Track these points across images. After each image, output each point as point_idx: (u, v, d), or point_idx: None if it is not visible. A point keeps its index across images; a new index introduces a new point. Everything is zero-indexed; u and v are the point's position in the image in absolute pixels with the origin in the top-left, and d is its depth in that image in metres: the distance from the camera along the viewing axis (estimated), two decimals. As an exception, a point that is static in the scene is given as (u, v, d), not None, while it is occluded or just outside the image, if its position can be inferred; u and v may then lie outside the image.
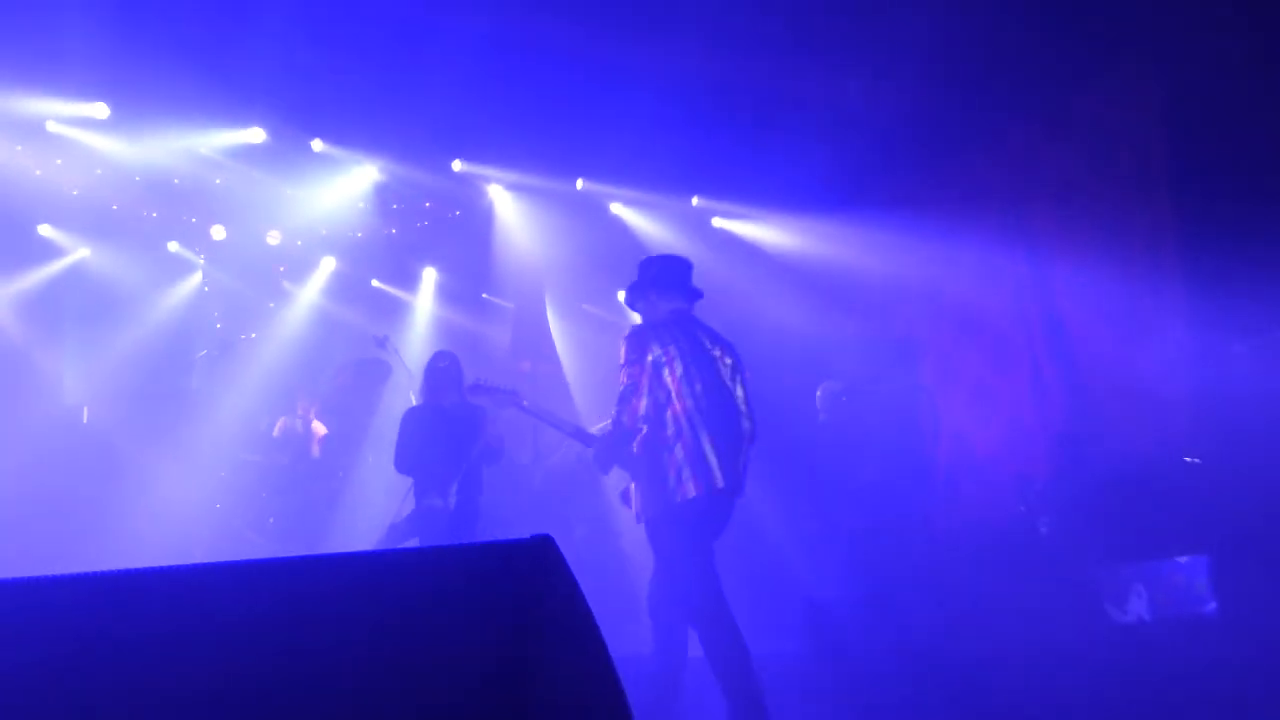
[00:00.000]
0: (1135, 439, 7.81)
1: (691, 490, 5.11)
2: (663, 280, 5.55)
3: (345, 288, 11.50)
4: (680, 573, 5.21)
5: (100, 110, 9.01)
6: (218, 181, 10.16)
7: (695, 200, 11.08)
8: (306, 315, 11.13)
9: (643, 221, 11.18)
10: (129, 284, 10.65)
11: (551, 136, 9.69)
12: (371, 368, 9.79)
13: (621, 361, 5.31)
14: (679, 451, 5.11)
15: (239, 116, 9.40)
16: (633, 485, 5.43)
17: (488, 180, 10.71)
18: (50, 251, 10.48)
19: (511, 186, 10.82)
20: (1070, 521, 7.44)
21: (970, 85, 8.73)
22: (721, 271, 11.08)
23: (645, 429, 5.20)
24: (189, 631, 1.69)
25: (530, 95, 9.05)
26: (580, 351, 11.63)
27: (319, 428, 9.34)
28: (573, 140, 9.75)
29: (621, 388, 5.22)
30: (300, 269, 11.35)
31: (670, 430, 5.16)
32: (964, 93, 8.85)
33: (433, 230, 11.41)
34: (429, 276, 11.81)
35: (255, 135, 9.56)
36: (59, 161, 9.69)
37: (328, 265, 11.40)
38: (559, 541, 1.81)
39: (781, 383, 9.06)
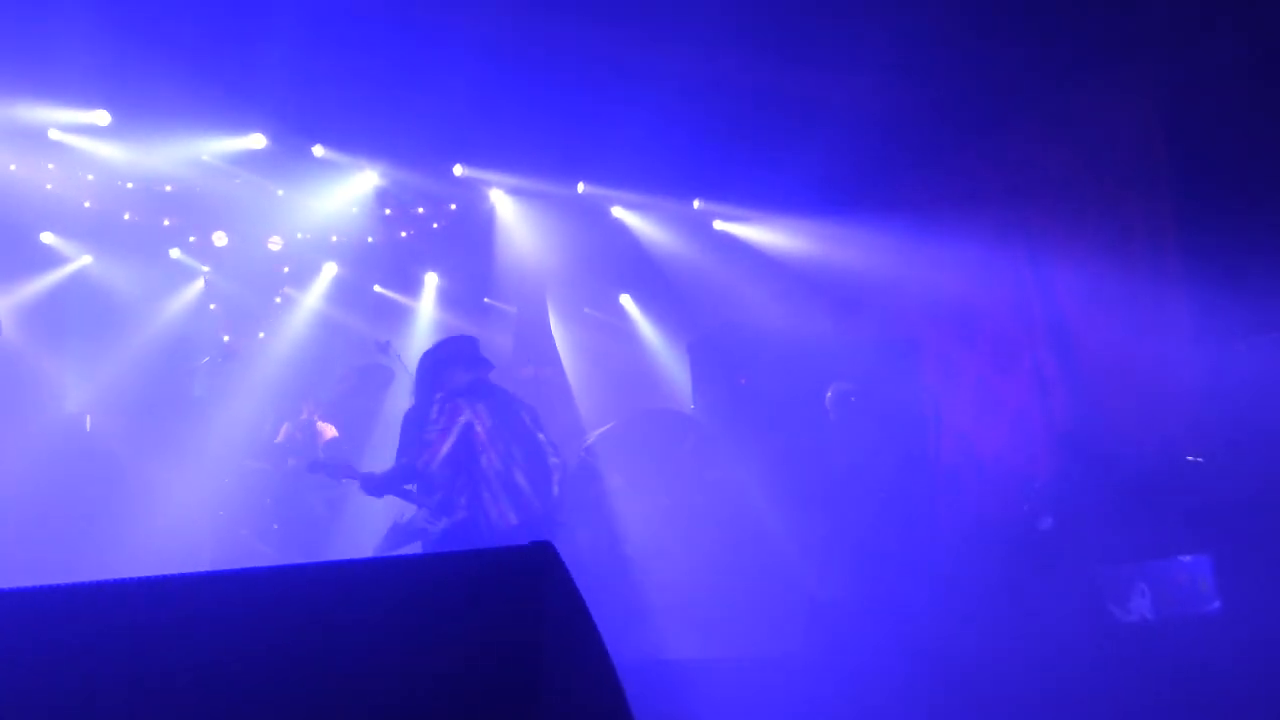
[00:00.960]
0: (1137, 437, 7.81)
1: (513, 518, 6.24)
2: (461, 358, 6.59)
3: (347, 293, 11.51)
4: None
5: (101, 117, 9.03)
6: (219, 187, 10.17)
7: (697, 203, 11.08)
8: (309, 321, 11.14)
9: (644, 225, 11.19)
10: (131, 291, 10.66)
11: (552, 140, 9.69)
12: (374, 373, 9.80)
13: (433, 418, 6.40)
14: (497, 488, 6.26)
15: (240, 122, 9.41)
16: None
17: (489, 184, 10.72)
18: (52, 259, 10.49)
19: (513, 190, 10.82)
20: (1072, 520, 7.44)
21: (969, 84, 8.73)
22: (723, 274, 11.10)
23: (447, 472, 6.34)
24: (195, 639, 1.70)
25: (531, 99, 9.05)
26: (583, 355, 11.64)
27: (326, 429, 9.34)
28: (574, 144, 9.76)
29: (430, 440, 6.33)
30: (302, 275, 11.36)
31: (488, 473, 6.28)
32: (963, 92, 8.86)
33: (434, 235, 11.42)
34: (431, 281, 11.82)
35: (256, 141, 9.57)
36: (59, 169, 9.71)
37: (329, 271, 11.41)
38: (560, 548, 1.82)
39: (783, 385, 9.07)
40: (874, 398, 8.52)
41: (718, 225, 11.35)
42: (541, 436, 6.61)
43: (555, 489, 6.48)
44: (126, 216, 10.41)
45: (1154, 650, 6.13)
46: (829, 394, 8.47)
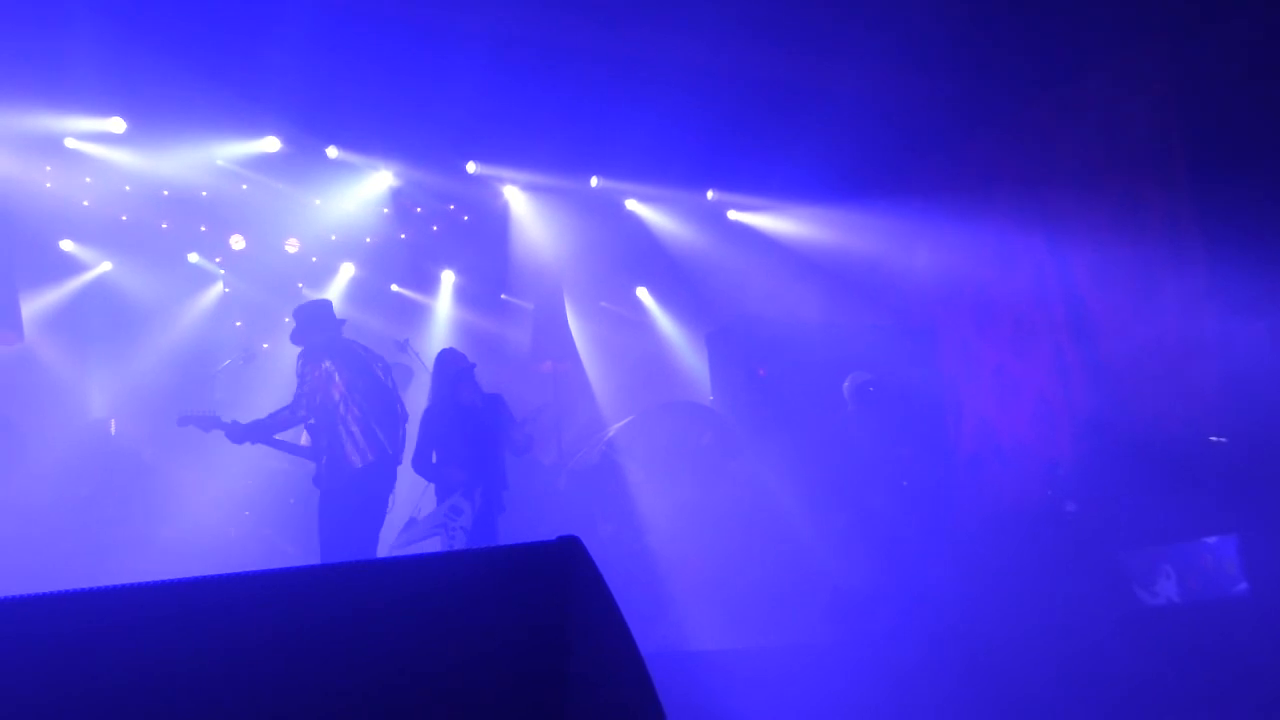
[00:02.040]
0: (1160, 420, 7.77)
1: (370, 456, 6.66)
2: (316, 319, 7.08)
3: (365, 293, 11.55)
4: (349, 534, 6.56)
5: (117, 125, 9.10)
6: (235, 191, 10.23)
7: (710, 194, 11.07)
8: (327, 322, 11.16)
9: (658, 217, 11.18)
10: (151, 296, 10.73)
11: (565, 135, 9.71)
12: (393, 372, 9.82)
13: (299, 373, 6.86)
14: (355, 431, 6.68)
15: (253, 126, 9.46)
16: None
17: (502, 181, 10.74)
18: (72, 267, 10.57)
19: (526, 187, 10.84)
20: (1096, 504, 7.41)
21: (983, 70, 8.70)
22: (739, 265, 11.08)
23: (314, 420, 6.82)
24: (225, 639, 1.73)
25: (542, 95, 9.07)
26: (601, 349, 11.65)
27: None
28: (586, 138, 9.77)
29: (297, 392, 6.81)
30: (319, 276, 11.41)
31: (345, 417, 6.70)
32: (977, 78, 8.82)
33: (450, 233, 11.44)
34: (447, 279, 11.85)
35: (270, 144, 9.63)
36: (76, 177, 9.79)
37: (347, 271, 11.45)
38: (584, 541, 1.83)
39: (802, 375, 9.06)
40: (893, 386, 8.50)
41: (732, 215, 11.34)
42: (390, 385, 7.20)
43: (402, 434, 7.01)
44: (141, 222, 10.48)
45: (1180, 633, 6.11)
46: (847, 384, 8.45)
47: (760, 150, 9.96)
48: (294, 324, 7.15)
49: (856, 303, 10.53)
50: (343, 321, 7.23)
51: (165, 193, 10.15)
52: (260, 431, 6.82)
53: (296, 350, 7.09)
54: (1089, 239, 8.59)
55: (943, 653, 6.48)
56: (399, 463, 6.99)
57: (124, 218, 10.33)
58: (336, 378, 6.77)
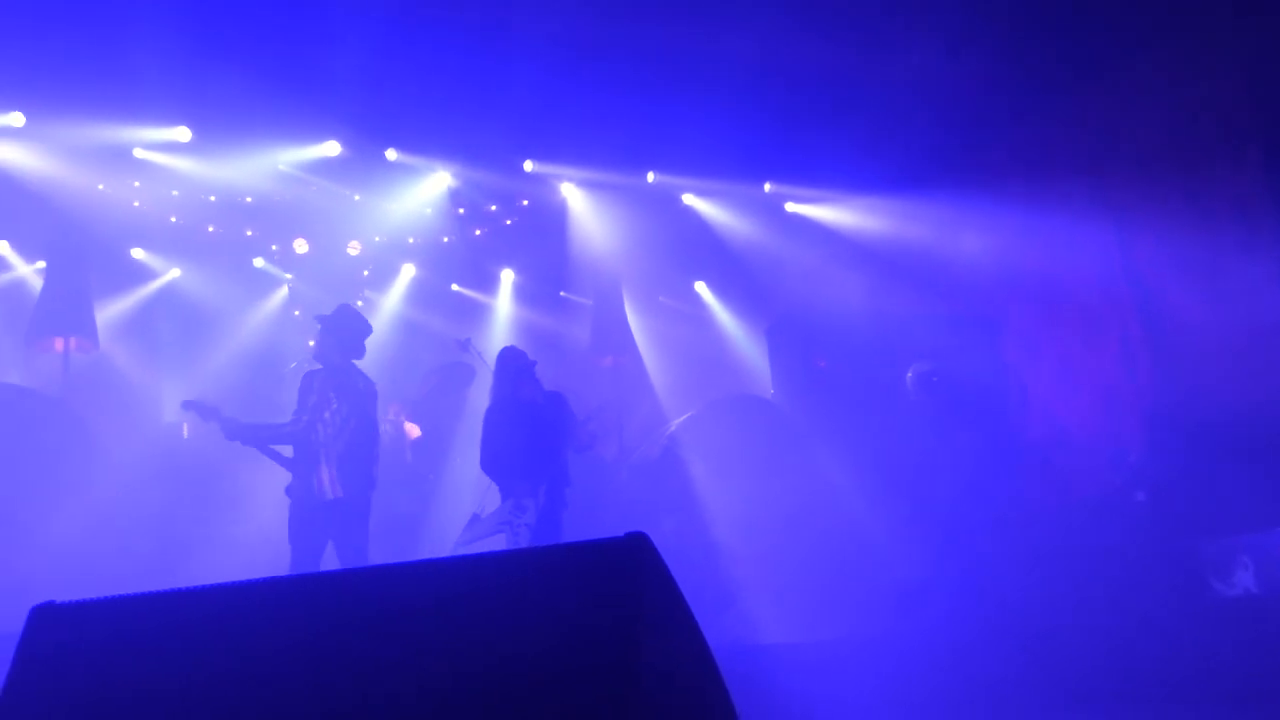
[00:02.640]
0: (1232, 407, 7.60)
1: (340, 493, 6.73)
2: (349, 340, 7.06)
3: (426, 293, 11.68)
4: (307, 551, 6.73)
5: (182, 134, 9.31)
6: (297, 196, 10.41)
7: (768, 186, 11.03)
8: (390, 322, 11.34)
9: (715, 210, 11.17)
10: (218, 301, 10.96)
11: (621, 131, 9.73)
12: (456, 371, 9.94)
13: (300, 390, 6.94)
14: (333, 467, 6.75)
15: (314, 131, 9.62)
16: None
17: (560, 179, 10.80)
18: (143, 274, 10.83)
19: (583, 184, 10.89)
20: (1168, 493, 7.27)
21: (1046, 55, 8.55)
22: (798, 257, 11.03)
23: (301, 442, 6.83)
24: (316, 633, 1.79)
25: (598, 92, 9.09)
26: (660, 344, 11.67)
27: (412, 430, 9.51)
28: (642, 134, 9.78)
29: (297, 411, 6.86)
30: (382, 277, 11.57)
31: (329, 449, 6.78)
32: (1040, 63, 8.67)
33: (508, 232, 11.54)
34: (507, 278, 11.95)
35: (331, 149, 9.78)
36: (144, 186, 10.03)
37: (408, 272, 11.59)
38: (648, 535, 1.85)
39: (863, 366, 9.00)
40: (956, 376, 8.41)
41: (790, 207, 11.28)
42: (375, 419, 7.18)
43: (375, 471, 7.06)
44: (210, 229, 10.71)
45: (1258, 624, 5.98)
46: (909, 374, 8.38)
47: (818, 141, 9.89)
48: (324, 335, 7.06)
49: (917, 293, 10.43)
50: (364, 350, 7.20)
51: (228, 199, 10.37)
52: (253, 435, 6.86)
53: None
54: (1155, 223, 8.42)
55: (1009, 645, 6.41)
56: (358, 504, 6.97)
57: (197, 225, 10.56)
58: (330, 412, 6.80)
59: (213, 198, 10.31)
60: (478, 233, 11.51)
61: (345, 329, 7.05)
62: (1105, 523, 7.28)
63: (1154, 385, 8.53)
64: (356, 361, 7.11)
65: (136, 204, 10.14)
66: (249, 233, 10.94)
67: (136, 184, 10.04)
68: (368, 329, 7.24)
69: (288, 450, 6.92)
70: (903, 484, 8.08)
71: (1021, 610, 6.58)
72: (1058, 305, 9.53)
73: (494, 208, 11.29)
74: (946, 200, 9.92)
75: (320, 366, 6.98)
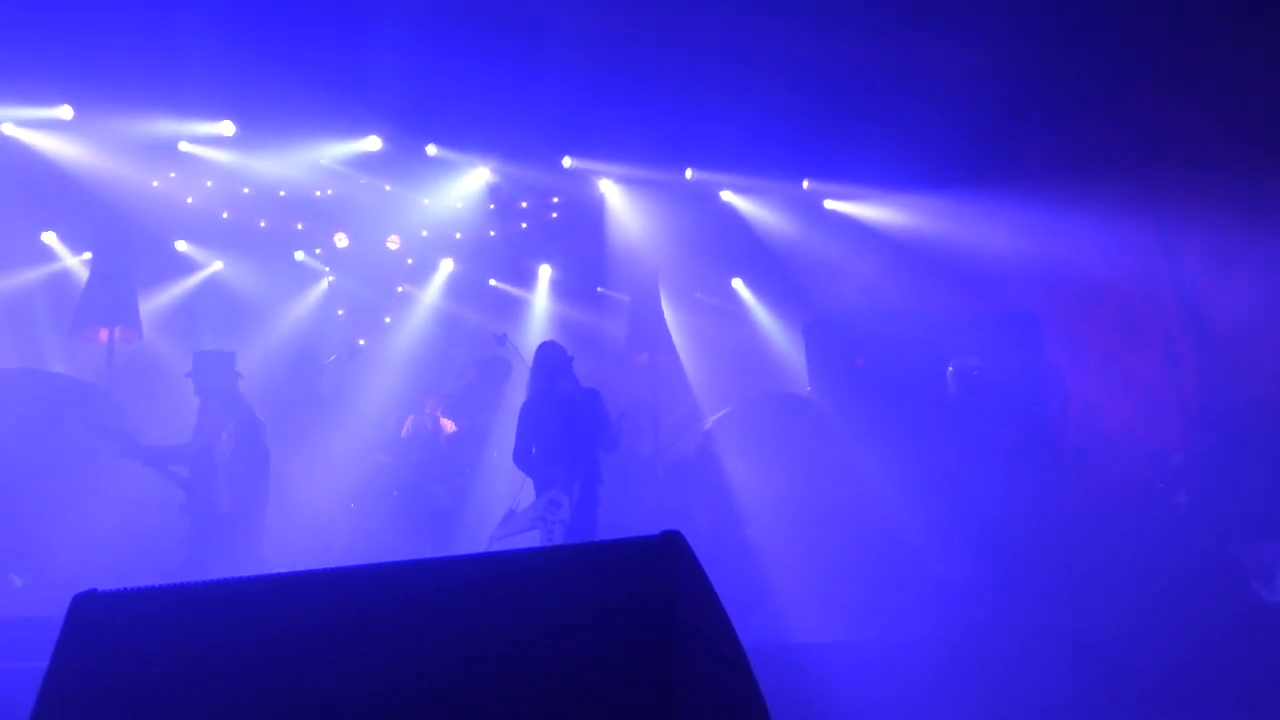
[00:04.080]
0: (1276, 409, 7.47)
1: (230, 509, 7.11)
2: (218, 370, 7.43)
3: (464, 288, 11.74)
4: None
5: (227, 128, 9.41)
6: (338, 190, 10.50)
7: (806, 183, 10.98)
8: (428, 317, 11.41)
9: (753, 207, 11.14)
10: (259, 294, 11.07)
11: (659, 128, 9.73)
12: (493, 366, 9.98)
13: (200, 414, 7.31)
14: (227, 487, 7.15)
15: (356, 126, 9.70)
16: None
17: (598, 175, 10.81)
18: (186, 266, 10.97)
19: (621, 180, 10.90)
20: (1210, 496, 7.17)
21: (1089, 49, 8.45)
22: (836, 254, 10.97)
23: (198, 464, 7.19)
24: (371, 623, 1.82)
25: (636, 89, 9.10)
26: (696, 341, 11.65)
27: (448, 424, 9.57)
28: (680, 130, 9.77)
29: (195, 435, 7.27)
30: (420, 272, 11.64)
31: (228, 470, 7.19)
32: (1083, 58, 8.57)
33: (546, 227, 11.57)
34: (544, 273, 11.98)
35: (372, 144, 9.85)
36: (189, 180, 10.16)
37: (446, 267, 11.66)
38: (682, 532, 1.84)
39: (901, 365, 8.93)
40: (997, 373, 8.33)
41: (828, 205, 11.23)
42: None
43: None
44: (250, 222, 10.83)
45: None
46: (950, 369, 8.30)
47: (856, 138, 9.83)
48: (196, 376, 7.44)
49: (957, 290, 10.34)
50: (240, 376, 7.58)
51: (273, 193, 10.48)
52: (153, 455, 7.20)
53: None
54: (1199, 222, 8.29)
55: (1048, 649, 6.34)
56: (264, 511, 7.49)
57: (240, 218, 10.68)
58: (226, 434, 7.21)
59: (259, 191, 10.43)
60: (513, 228, 11.55)
61: (211, 365, 7.46)
62: (1146, 525, 7.18)
63: (1197, 386, 8.42)
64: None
65: (190, 200, 10.29)
66: (290, 226, 11.04)
67: (182, 178, 10.17)
68: (232, 356, 7.69)
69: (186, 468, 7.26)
70: (941, 484, 8.01)
71: (1060, 614, 6.51)
72: (1100, 304, 9.42)
73: (536, 203, 11.33)
74: (987, 198, 9.82)
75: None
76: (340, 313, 11.36)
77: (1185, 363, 8.56)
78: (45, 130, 9.18)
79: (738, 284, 12.20)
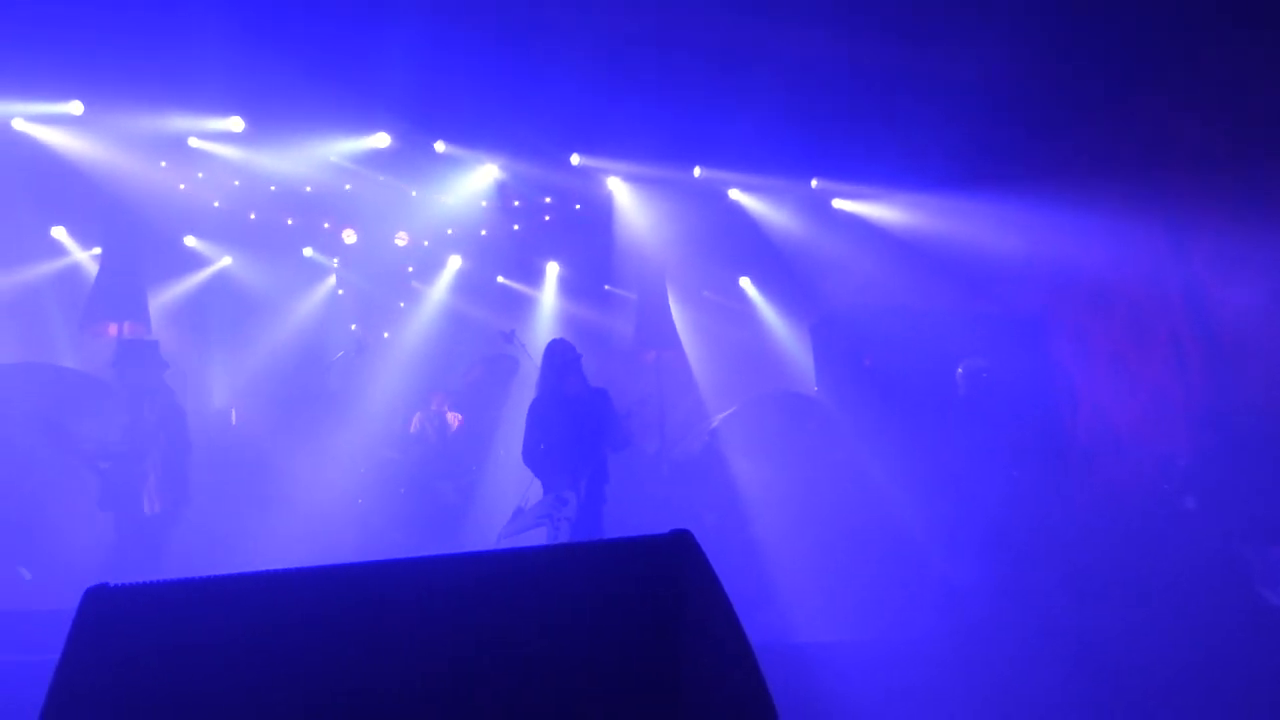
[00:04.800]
0: (1286, 412, 7.46)
1: (157, 507, 7.10)
2: (144, 359, 7.43)
3: (472, 285, 11.76)
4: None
5: (236, 124, 9.43)
6: (347, 187, 10.52)
7: (814, 183, 10.97)
8: (436, 313, 11.43)
9: (761, 206, 11.13)
10: (267, 290, 11.10)
11: (667, 126, 9.72)
12: (500, 363, 9.99)
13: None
14: (154, 480, 7.16)
15: (365, 123, 9.71)
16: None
17: (606, 172, 10.81)
18: (195, 262, 11.00)
19: (630, 178, 10.90)
20: (1217, 499, 7.15)
21: (1096, 52, 8.43)
22: (844, 253, 10.97)
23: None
24: (380, 618, 1.83)
25: (645, 86, 9.09)
26: (704, 338, 11.66)
27: (454, 420, 9.59)
28: (689, 128, 9.77)
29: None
30: (428, 268, 11.65)
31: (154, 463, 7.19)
32: (1091, 61, 8.55)
33: (554, 225, 11.58)
34: (552, 271, 11.99)
35: (381, 140, 9.87)
36: (197, 175, 10.19)
37: (454, 264, 11.67)
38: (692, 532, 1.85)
39: (908, 365, 8.93)
40: (1006, 374, 8.32)
41: (837, 204, 11.22)
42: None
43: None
44: (258, 218, 10.85)
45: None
46: (960, 370, 8.29)
47: (865, 138, 9.83)
48: (121, 370, 7.40)
49: (965, 291, 10.33)
50: (167, 366, 7.55)
51: (280, 189, 10.49)
52: (85, 455, 7.18)
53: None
54: (1207, 224, 8.27)
55: (1053, 650, 6.34)
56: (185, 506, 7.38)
57: (248, 214, 10.71)
58: (149, 430, 7.17)
59: (268, 187, 10.44)
60: (522, 226, 11.56)
61: (136, 355, 7.46)
62: (1152, 527, 7.17)
63: (1204, 388, 8.40)
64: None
65: (190, 193, 10.29)
66: (298, 222, 11.06)
67: (191, 173, 10.19)
68: (156, 345, 7.68)
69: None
70: (948, 484, 8.00)
71: (1065, 616, 6.50)
72: (1107, 306, 9.40)
73: (543, 201, 11.33)
74: (995, 199, 9.81)
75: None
76: (341, 293, 11.36)
77: (1192, 365, 8.54)
78: (55, 125, 9.20)
79: (745, 282, 12.20)
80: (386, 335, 10.88)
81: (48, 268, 10.41)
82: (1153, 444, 8.42)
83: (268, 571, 2.03)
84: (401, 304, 11.59)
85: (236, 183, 10.35)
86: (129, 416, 7.22)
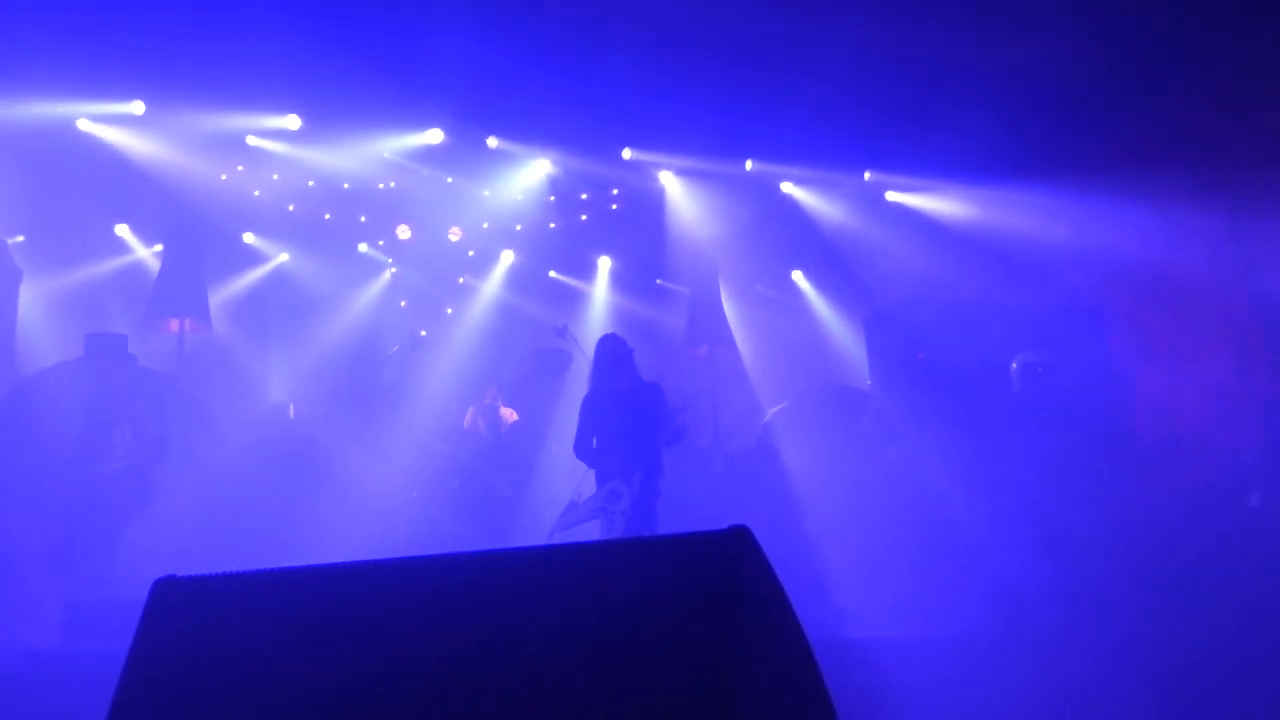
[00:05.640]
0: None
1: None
2: (114, 353, 7.54)
3: (523, 279, 11.82)
4: None
5: (293, 122, 9.57)
6: (401, 183, 10.62)
7: (868, 175, 10.89)
8: (489, 308, 11.50)
9: (814, 199, 11.07)
10: (324, 285, 11.24)
11: (719, 119, 9.70)
12: (553, 357, 10.03)
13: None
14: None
15: (418, 119, 9.80)
16: None
17: (658, 166, 10.81)
18: (254, 258, 11.17)
19: (681, 172, 10.89)
20: (1284, 496, 7.01)
21: (1158, 37, 8.27)
22: (898, 246, 10.87)
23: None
24: (438, 613, 1.86)
25: (697, 80, 9.08)
26: (756, 333, 11.61)
27: (508, 414, 9.65)
28: (741, 122, 9.74)
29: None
30: (481, 263, 11.73)
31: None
32: (1151, 46, 8.39)
33: (606, 219, 11.60)
34: (604, 265, 12.02)
35: (434, 136, 9.95)
36: (256, 173, 10.34)
37: (507, 258, 11.74)
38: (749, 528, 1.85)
39: (963, 359, 8.83)
40: (1062, 368, 8.20)
41: (890, 196, 11.13)
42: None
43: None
44: (315, 214, 10.99)
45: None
46: (1014, 365, 8.19)
47: (919, 129, 9.73)
48: (91, 355, 7.51)
49: (1020, 283, 10.19)
50: (134, 358, 7.68)
51: (337, 185, 10.62)
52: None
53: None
54: (1272, 212, 8.09)
55: (1111, 650, 6.24)
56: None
57: (305, 211, 10.86)
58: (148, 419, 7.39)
59: (324, 184, 10.59)
60: (573, 220, 11.59)
61: (105, 349, 7.57)
62: (1217, 525, 7.04)
63: (1269, 380, 8.23)
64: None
65: (248, 190, 10.46)
66: (353, 218, 11.19)
67: (249, 171, 10.35)
68: (124, 339, 7.81)
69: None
70: (1003, 481, 7.91)
71: (1125, 615, 6.40)
72: (1168, 297, 9.23)
73: (595, 195, 11.36)
74: (1051, 189, 9.67)
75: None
76: (403, 304, 11.48)
77: (1256, 356, 8.37)
78: (118, 125, 9.40)
79: (798, 276, 12.14)
80: (424, 333, 10.98)
81: (111, 265, 10.63)
82: (1215, 438, 8.26)
83: (330, 565, 2.06)
84: (449, 310, 11.67)
85: (294, 180, 10.49)
86: (96, 408, 7.35)
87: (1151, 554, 6.95)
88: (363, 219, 11.17)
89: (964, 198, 10.69)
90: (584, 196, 11.26)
